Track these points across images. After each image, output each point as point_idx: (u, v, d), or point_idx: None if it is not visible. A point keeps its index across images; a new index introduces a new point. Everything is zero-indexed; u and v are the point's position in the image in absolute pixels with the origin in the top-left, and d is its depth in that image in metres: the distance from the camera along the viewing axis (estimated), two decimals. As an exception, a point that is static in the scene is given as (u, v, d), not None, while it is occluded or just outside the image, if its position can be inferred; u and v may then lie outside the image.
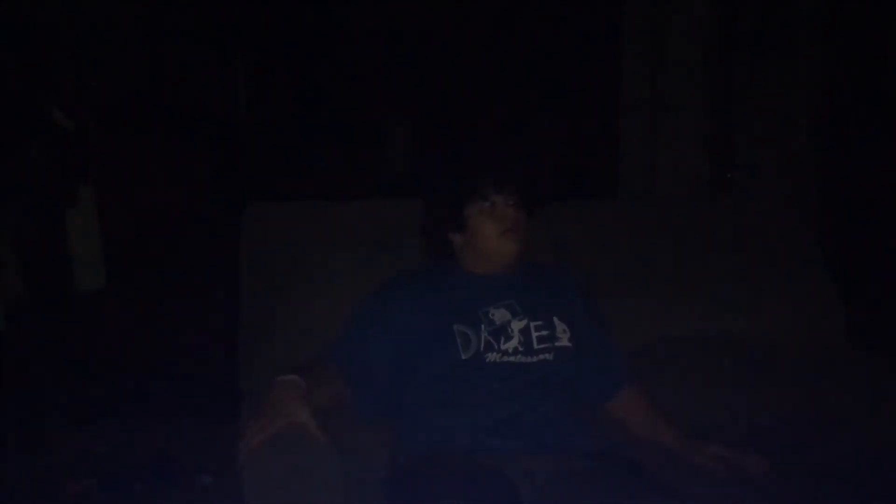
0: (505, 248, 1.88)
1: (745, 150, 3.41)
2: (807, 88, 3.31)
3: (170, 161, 4.03)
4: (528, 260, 1.96)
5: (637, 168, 3.63)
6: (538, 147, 4.80)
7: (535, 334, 1.82)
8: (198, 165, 4.32)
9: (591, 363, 1.92)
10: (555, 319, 1.86)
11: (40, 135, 2.79)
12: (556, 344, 1.83)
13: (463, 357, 1.78)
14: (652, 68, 3.54)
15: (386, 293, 1.91)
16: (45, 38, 2.96)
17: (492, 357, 1.79)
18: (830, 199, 3.13)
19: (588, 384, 1.92)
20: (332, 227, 2.23)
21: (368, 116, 6.37)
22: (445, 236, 1.94)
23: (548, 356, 1.81)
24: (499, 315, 1.84)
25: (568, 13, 4.68)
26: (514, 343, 1.81)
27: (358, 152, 6.17)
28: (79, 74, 3.06)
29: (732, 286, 2.27)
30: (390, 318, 1.86)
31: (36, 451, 2.69)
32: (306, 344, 2.08)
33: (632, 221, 2.41)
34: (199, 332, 3.25)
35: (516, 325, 1.82)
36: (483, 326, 1.81)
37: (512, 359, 1.79)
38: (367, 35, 5.64)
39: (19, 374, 2.73)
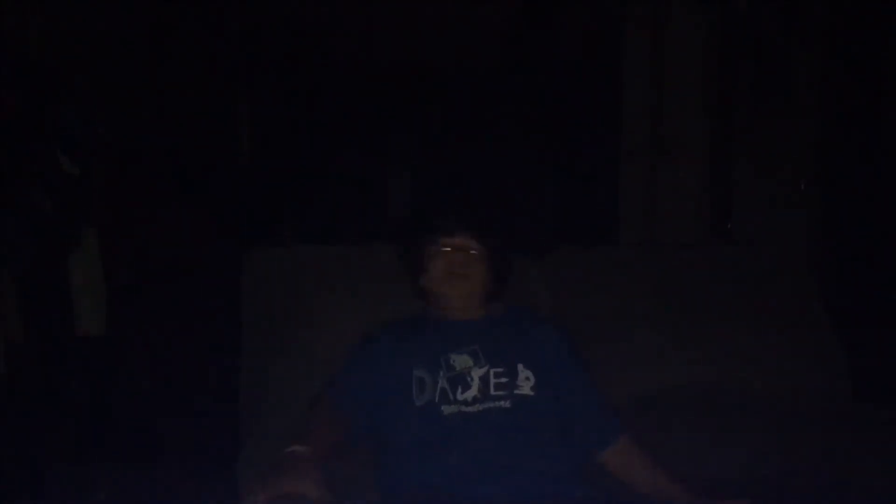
0: (449, 289, 1.91)
1: (744, 197, 3.42)
2: (806, 136, 3.33)
3: (172, 206, 4.04)
4: (501, 303, 1.98)
5: (637, 213, 3.64)
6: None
7: (493, 381, 1.80)
8: (200, 210, 4.34)
9: (579, 414, 1.88)
10: (519, 366, 1.83)
11: (45, 180, 2.81)
12: (516, 392, 1.79)
13: (417, 403, 1.78)
14: (652, 114, 3.57)
15: (368, 338, 1.94)
16: (52, 83, 2.99)
17: (448, 409, 1.76)
18: (832, 246, 3.13)
19: (580, 435, 1.87)
20: (333, 272, 2.23)
21: (370, 161, 6.41)
22: (416, 281, 1.98)
23: (503, 403, 1.77)
24: (460, 361, 1.83)
25: (569, 59, 4.73)
26: (472, 392, 1.78)
27: (360, 197, 6.19)
28: (84, 119, 3.09)
29: (732, 335, 2.26)
30: (368, 363, 1.88)
31: (35, 495, 2.67)
32: (307, 388, 2.07)
33: (630, 268, 2.41)
34: (199, 377, 3.24)
35: (476, 373, 1.80)
36: (441, 372, 1.80)
37: (469, 409, 1.76)
38: (369, 81, 5.69)
39: (19, 417, 2.72)
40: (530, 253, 2.28)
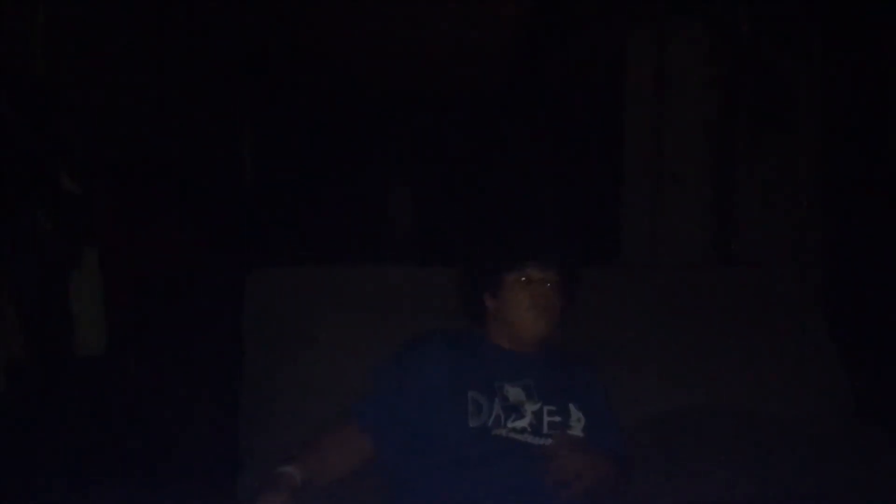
0: (533, 325, 1.88)
1: (747, 219, 3.42)
2: (808, 157, 3.34)
3: (174, 225, 4.04)
4: (555, 340, 1.95)
5: (639, 236, 3.64)
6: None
7: (546, 419, 1.79)
8: (202, 230, 4.34)
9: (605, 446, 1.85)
10: (570, 406, 1.82)
11: (47, 199, 2.81)
12: (568, 432, 1.79)
13: (471, 425, 1.75)
14: (655, 138, 3.58)
15: (410, 352, 1.90)
16: (55, 102, 3.00)
17: (499, 432, 1.75)
18: (835, 268, 3.13)
19: None
20: (335, 292, 2.24)
21: (373, 183, 6.43)
22: (481, 298, 1.94)
23: (552, 442, 1.76)
24: (513, 393, 1.81)
25: (571, 80, 4.75)
26: (523, 423, 1.77)
27: (362, 218, 6.21)
28: (87, 139, 3.10)
29: (735, 356, 2.25)
30: (410, 377, 1.85)
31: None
32: (307, 409, 2.07)
33: (633, 288, 2.40)
34: (200, 397, 3.23)
35: (530, 407, 1.79)
36: (497, 400, 1.78)
37: (519, 437, 1.75)
38: (372, 102, 5.72)
39: (17, 436, 2.71)
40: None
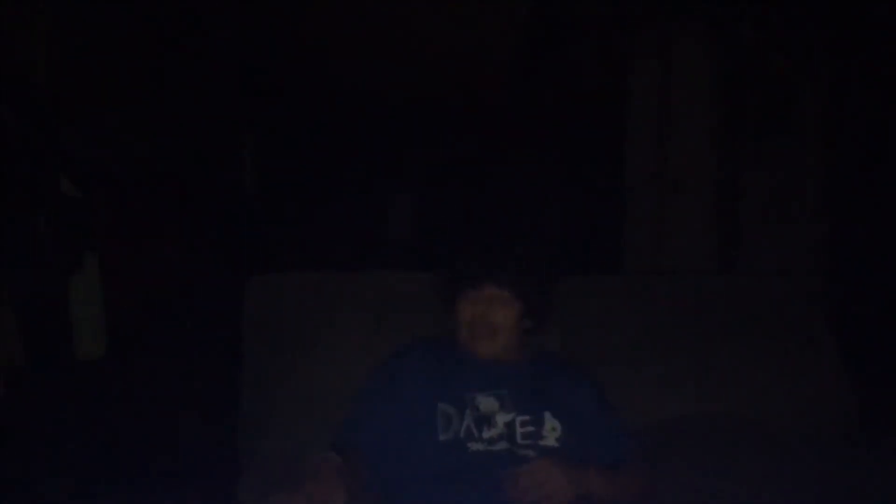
0: (473, 343, 1.86)
1: (751, 228, 3.41)
2: (813, 165, 3.34)
3: (175, 230, 4.04)
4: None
5: (642, 244, 3.63)
6: (544, 231, 4.82)
7: (519, 430, 1.77)
8: (203, 236, 4.34)
9: (592, 451, 1.83)
10: (545, 415, 1.80)
11: (48, 203, 2.81)
12: (541, 443, 1.76)
13: (440, 438, 1.74)
14: (659, 145, 3.58)
15: (390, 365, 1.90)
16: (56, 107, 3.01)
17: (475, 447, 1.73)
18: (839, 276, 3.12)
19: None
20: (335, 298, 2.24)
21: (373, 189, 6.43)
22: (451, 312, 1.92)
23: (531, 452, 1.74)
24: (485, 404, 1.79)
25: (574, 89, 4.75)
26: (496, 431, 1.75)
27: (362, 224, 6.21)
28: (88, 144, 3.10)
29: (739, 365, 2.25)
30: (390, 391, 1.84)
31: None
32: (307, 416, 2.07)
33: (637, 297, 2.40)
34: (200, 403, 3.23)
35: (502, 418, 1.77)
36: (468, 411, 1.76)
37: (494, 448, 1.73)
38: (372, 109, 5.72)
39: (17, 441, 2.70)
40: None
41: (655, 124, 3.59)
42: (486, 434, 1.74)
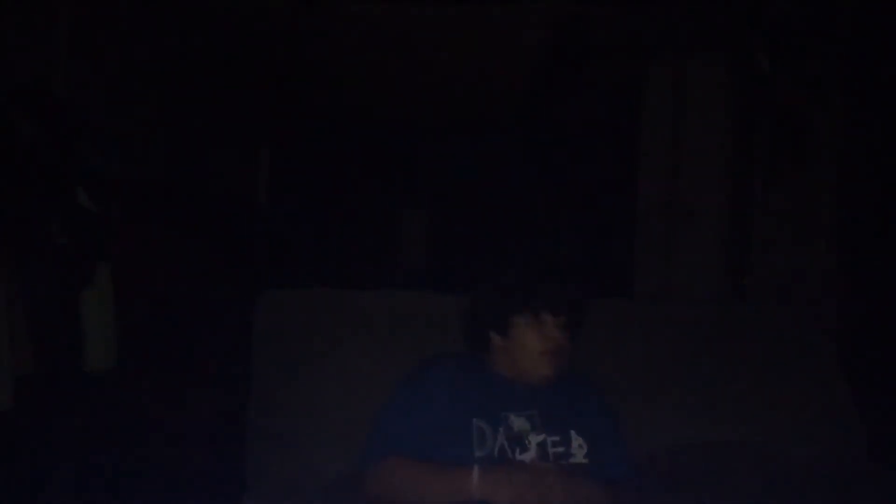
0: (542, 369, 1.87)
1: (762, 257, 3.41)
2: (825, 195, 3.33)
3: (188, 245, 4.07)
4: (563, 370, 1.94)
5: (652, 271, 3.63)
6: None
7: (551, 450, 1.80)
8: (216, 250, 4.36)
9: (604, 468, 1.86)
10: (572, 433, 1.83)
11: (63, 214, 2.83)
12: (572, 461, 1.80)
13: (477, 454, 1.76)
14: (671, 174, 3.58)
15: (416, 379, 1.90)
16: (74, 119, 3.03)
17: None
18: (849, 306, 3.11)
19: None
20: (345, 316, 2.23)
21: (386, 210, 6.46)
22: (486, 333, 1.94)
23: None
24: (518, 424, 1.81)
25: (588, 115, 4.76)
26: (529, 455, 1.77)
27: (375, 244, 6.23)
28: (104, 156, 3.13)
29: (747, 393, 2.24)
30: (423, 403, 1.84)
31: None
32: (314, 432, 2.06)
33: (647, 324, 2.39)
34: (208, 417, 3.23)
35: (534, 439, 1.80)
36: (502, 429, 1.79)
37: None
38: (386, 131, 5.75)
39: (26, 450, 2.71)
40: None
41: (668, 152, 3.60)
42: (520, 456, 1.77)
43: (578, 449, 1.81)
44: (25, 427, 2.70)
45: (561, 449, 1.80)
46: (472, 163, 6.16)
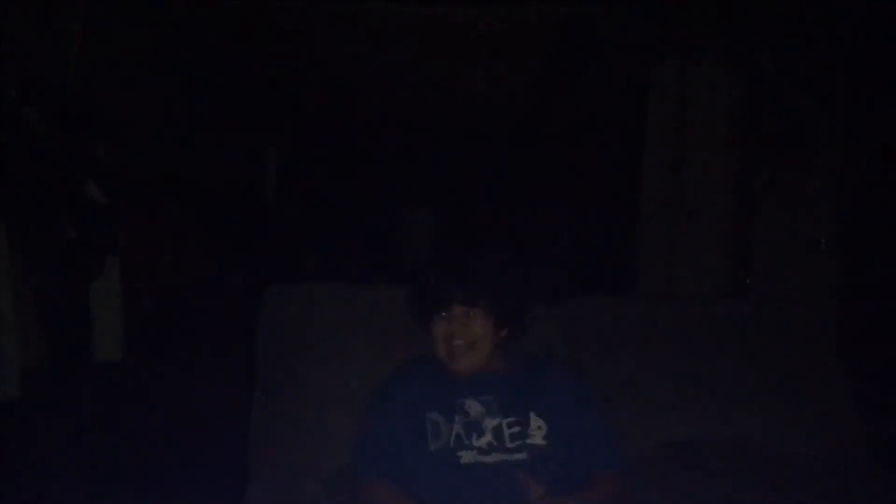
0: (449, 359, 1.88)
1: (764, 255, 3.41)
2: (827, 195, 3.34)
3: (196, 239, 4.09)
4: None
5: (656, 270, 3.64)
6: (561, 240, 4.81)
7: (507, 431, 1.81)
8: (223, 244, 4.38)
9: (584, 443, 1.87)
10: (531, 415, 1.83)
11: (73, 207, 2.85)
12: (528, 441, 1.80)
13: (431, 448, 1.78)
14: (674, 173, 3.59)
15: (385, 387, 1.94)
16: (86, 115, 3.05)
17: (467, 457, 1.77)
18: (850, 306, 3.11)
19: (578, 459, 1.86)
20: (350, 310, 2.25)
21: (392, 205, 6.47)
22: (427, 330, 1.95)
23: (520, 455, 1.78)
24: (474, 409, 1.84)
25: (593, 115, 4.77)
26: (486, 439, 1.79)
27: (381, 239, 6.24)
28: (115, 152, 3.15)
29: (747, 390, 2.25)
30: (387, 412, 1.88)
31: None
32: (317, 425, 2.08)
33: (648, 319, 2.40)
34: (213, 408, 3.25)
35: (489, 423, 1.81)
36: (457, 417, 1.81)
37: (486, 458, 1.77)
38: (392, 126, 5.75)
39: (34, 440, 2.73)
40: (546, 301, 2.27)
41: (671, 151, 3.60)
42: (476, 442, 1.78)
43: (537, 430, 1.81)
44: (34, 417, 2.72)
45: (517, 429, 1.80)
46: (476, 162, 6.17)
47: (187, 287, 3.86)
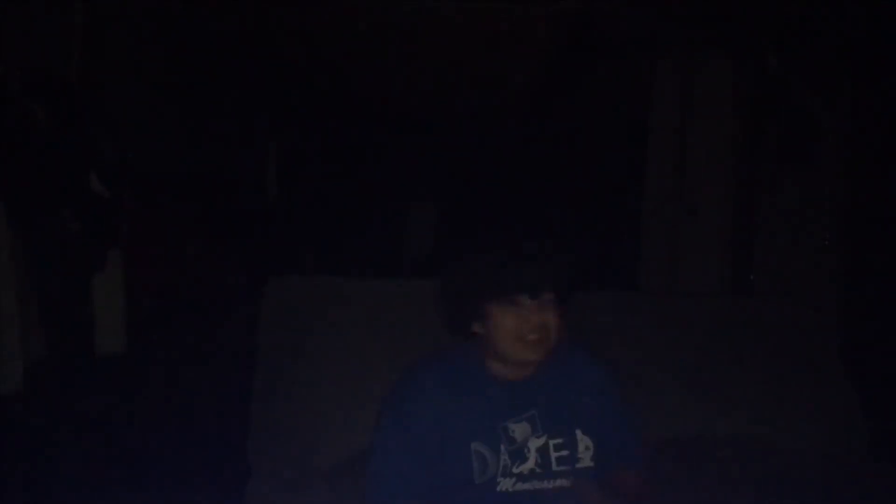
0: (524, 354, 1.69)
1: (766, 252, 3.41)
2: (830, 192, 3.34)
3: (198, 232, 4.09)
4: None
5: (658, 266, 3.64)
6: (565, 236, 4.80)
7: (554, 455, 1.69)
8: (225, 238, 4.38)
9: (613, 448, 1.77)
10: (577, 434, 1.71)
11: (76, 200, 2.85)
12: (577, 466, 1.69)
13: (476, 482, 1.66)
14: (677, 167, 3.59)
15: (406, 406, 1.72)
16: (88, 107, 3.05)
17: (504, 484, 1.66)
18: (851, 303, 3.12)
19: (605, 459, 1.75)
20: (352, 303, 2.25)
21: (395, 198, 6.46)
22: (467, 323, 1.75)
23: (565, 482, 1.68)
24: (520, 431, 1.69)
25: (596, 110, 4.76)
26: (529, 465, 1.68)
27: (384, 232, 6.24)
28: (117, 144, 3.15)
29: (749, 388, 2.26)
30: (417, 439, 1.69)
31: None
32: (319, 418, 2.08)
33: (650, 315, 2.41)
34: (214, 401, 3.25)
35: (534, 444, 1.69)
36: (503, 446, 1.68)
37: (526, 486, 1.67)
38: (395, 118, 5.75)
39: (36, 434, 2.74)
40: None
41: (675, 148, 3.60)
42: (517, 468, 1.67)
43: (585, 451, 1.70)
44: (37, 410, 2.72)
45: (565, 453, 1.69)
46: (479, 156, 6.16)
47: (190, 280, 3.86)
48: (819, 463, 2.15)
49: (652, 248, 3.68)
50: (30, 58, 2.90)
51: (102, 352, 2.99)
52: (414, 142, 5.99)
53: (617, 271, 3.97)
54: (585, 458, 1.70)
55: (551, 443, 1.69)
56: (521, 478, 1.67)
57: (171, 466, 2.94)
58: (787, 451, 2.17)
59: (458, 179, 6.43)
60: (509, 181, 6.19)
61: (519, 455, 1.68)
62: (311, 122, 5.69)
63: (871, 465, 2.21)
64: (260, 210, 5.24)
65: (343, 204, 6.06)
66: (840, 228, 3.30)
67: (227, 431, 2.35)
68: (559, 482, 1.68)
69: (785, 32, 3.35)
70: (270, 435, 2.14)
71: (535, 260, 1.71)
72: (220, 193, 4.51)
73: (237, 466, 2.12)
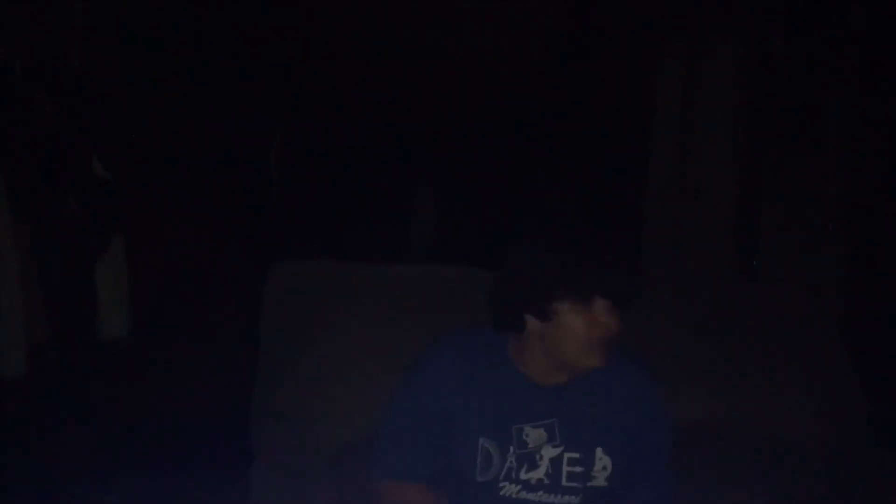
0: (586, 360, 1.61)
1: (770, 238, 3.41)
2: (835, 178, 3.33)
3: (201, 216, 4.09)
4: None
5: (662, 251, 3.63)
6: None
7: (566, 469, 1.62)
8: (228, 222, 4.38)
9: (642, 472, 1.69)
10: (597, 452, 1.63)
11: (78, 184, 2.85)
12: (589, 484, 1.62)
13: (478, 479, 1.61)
14: (681, 154, 3.58)
15: (421, 383, 1.68)
16: (90, 91, 3.05)
17: (509, 490, 1.61)
18: (855, 289, 3.12)
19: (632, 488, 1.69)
20: (356, 288, 2.23)
21: (398, 184, 6.45)
22: (522, 317, 1.64)
23: (574, 499, 1.62)
24: (534, 436, 1.62)
25: (600, 96, 4.75)
26: (538, 474, 1.61)
27: (387, 217, 6.23)
28: (120, 129, 3.15)
29: (752, 374, 2.25)
30: (429, 411, 1.65)
31: (49, 497, 2.68)
32: (322, 404, 2.08)
33: (654, 302, 2.38)
34: (217, 385, 3.26)
35: (547, 453, 1.62)
36: (512, 448, 1.62)
37: (531, 496, 1.61)
38: (398, 109, 5.74)
39: (38, 417, 2.75)
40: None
41: (679, 132, 3.60)
42: (526, 475, 1.62)
43: (601, 471, 1.62)
44: (39, 393, 2.73)
45: (579, 469, 1.61)
46: (483, 142, 6.15)
47: (193, 264, 3.87)
48: (820, 447, 2.14)
49: (655, 234, 3.67)
50: (31, 42, 2.90)
51: (105, 336, 3.00)
52: (419, 127, 5.99)
53: (620, 256, 3.95)
54: (600, 478, 1.62)
55: (566, 455, 1.62)
56: (528, 486, 1.61)
57: (173, 451, 2.95)
58: (787, 436, 2.16)
59: (462, 166, 6.43)
60: (512, 166, 6.18)
61: (529, 461, 1.62)
62: (315, 106, 5.68)
63: (873, 451, 2.21)
64: (264, 194, 5.23)
65: (348, 188, 6.06)
66: (844, 214, 3.29)
67: (230, 416, 2.36)
68: (567, 498, 1.62)
69: (790, 17, 3.33)
70: (273, 420, 2.13)
71: (618, 266, 1.64)
72: (225, 178, 4.51)
73: (240, 451, 2.12)
